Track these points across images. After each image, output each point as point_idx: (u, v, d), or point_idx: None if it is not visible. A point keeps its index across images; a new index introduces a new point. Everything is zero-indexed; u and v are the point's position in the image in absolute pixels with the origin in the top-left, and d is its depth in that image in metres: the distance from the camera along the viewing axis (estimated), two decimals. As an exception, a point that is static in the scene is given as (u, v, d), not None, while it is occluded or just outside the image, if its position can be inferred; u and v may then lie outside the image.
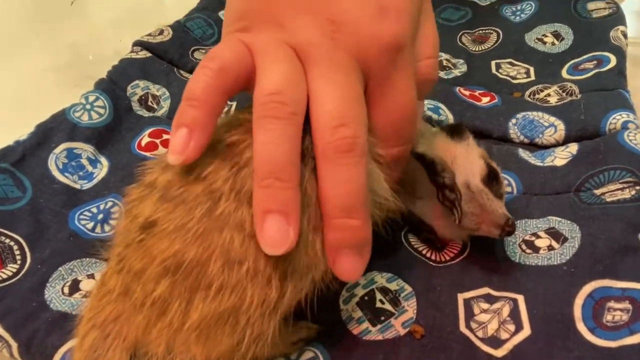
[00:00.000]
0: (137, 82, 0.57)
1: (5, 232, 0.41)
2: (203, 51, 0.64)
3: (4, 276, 0.39)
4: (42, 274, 0.39)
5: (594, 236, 0.38)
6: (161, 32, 0.64)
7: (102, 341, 0.29)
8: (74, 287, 0.38)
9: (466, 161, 0.39)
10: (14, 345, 0.35)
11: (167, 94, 0.57)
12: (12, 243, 0.41)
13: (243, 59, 0.31)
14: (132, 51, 0.61)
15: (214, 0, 0.71)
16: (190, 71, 0.61)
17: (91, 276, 0.39)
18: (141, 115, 0.55)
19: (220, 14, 0.70)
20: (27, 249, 0.41)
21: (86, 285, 0.38)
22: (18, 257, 0.40)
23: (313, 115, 0.29)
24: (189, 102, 0.30)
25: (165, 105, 0.57)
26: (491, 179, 0.38)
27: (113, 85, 0.56)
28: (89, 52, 0.73)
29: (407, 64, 0.32)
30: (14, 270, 0.39)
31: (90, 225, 0.43)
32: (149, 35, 0.63)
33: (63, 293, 0.38)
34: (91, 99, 0.53)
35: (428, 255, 0.40)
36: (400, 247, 0.41)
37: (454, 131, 0.42)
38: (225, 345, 0.28)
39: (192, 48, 0.64)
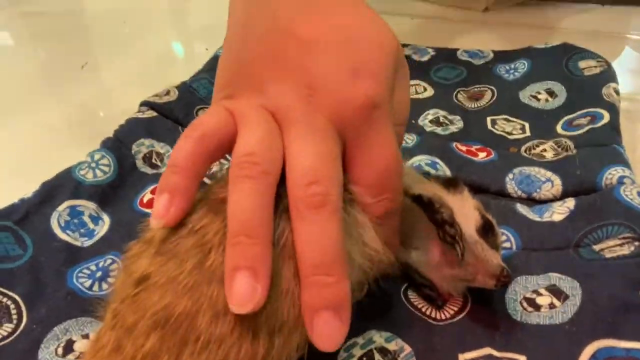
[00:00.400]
0: (142, 140, 0.59)
1: (4, 291, 0.41)
2: (207, 109, 0.66)
3: (-1, 336, 0.38)
4: (37, 334, 0.38)
5: (594, 294, 0.37)
6: (167, 93, 0.66)
7: None
8: (68, 347, 0.38)
9: (461, 212, 0.39)
10: (4, 409, 0.34)
11: (171, 151, 0.59)
12: (9, 302, 0.41)
13: (225, 126, 0.32)
14: (139, 111, 0.63)
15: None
16: (194, 129, 0.62)
17: (86, 336, 0.39)
18: (145, 172, 0.56)
19: (225, 74, 0.73)
20: (24, 308, 0.41)
21: (80, 346, 0.38)
22: (14, 317, 0.40)
23: (287, 174, 0.31)
24: (171, 168, 0.31)
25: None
26: (486, 230, 0.38)
27: (119, 143, 0.57)
28: (98, 111, 0.76)
29: (384, 120, 0.33)
30: (10, 330, 0.39)
31: (88, 283, 0.43)
32: (156, 95, 0.66)
33: (57, 354, 0.37)
34: (97, 157, 0.54)
35: (428, 313, 0.40)
36: (399, 304, 0.41)
37: (449, 183, 0.42)
38: None
39: (197, 107, 0.66)
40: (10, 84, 0.81)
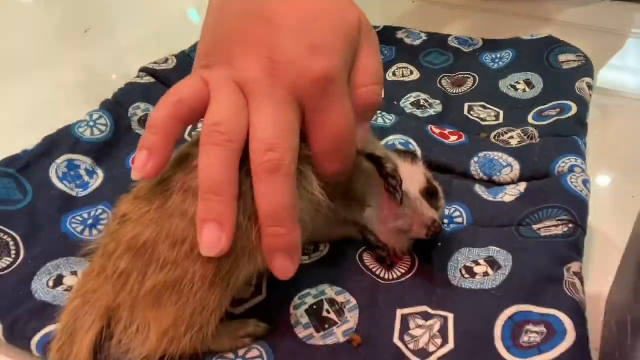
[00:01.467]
0: (139, 104, 0.63)
1: (5, 229, 0.47)
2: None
3: (-2, 267, 0.44)
4: (32, 268, 0.44)
5: (523, 266, 0.41)
6: (166, 61, 0.71)
7: (82, 307, 0.36)
8: (58, 281, 0.43)
9: (409, 175, 0.44)
10: (0, 327, 0.39)
11: (165, 116, 0.63)
12: (9, 239, 0.46)
13: (199, 94, 0.37)
14: (138, 76, 0.68)
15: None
16: (189, 97, 0.67)
17: (74, 273, 0.44)
18: (139, 134, 0.61)
19: (223, 47, 0.77)
20: (21, 246, 0.46)
21: (69, 280, 0.43)
22: (13, 252, 0.45)
23: (249, 142, 0.36)
24: (150, 129, 0.37)
25: (162, 126, 0.62)
26: (429, 193, 0.44)
27: (117, 106, 0.62)
28: (102, 74, 0.80)
29: (338, 92, 0.37)
30: (8, 263, 0.44)
31: (80, 228, 0.49)
32: (155, 63, 0.70)
33: (48, 286, 0.43)
34: (95, 116, 0.59)
35: (378, 273, 0.45)
36: (354, 265, 0.45)
37: (406, 154, 0.48)
38: (175, 312, 0.34)
39: (193, 76, 0.70)
40: (25, 40, 0.85)
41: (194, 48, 0.74)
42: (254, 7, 0.39)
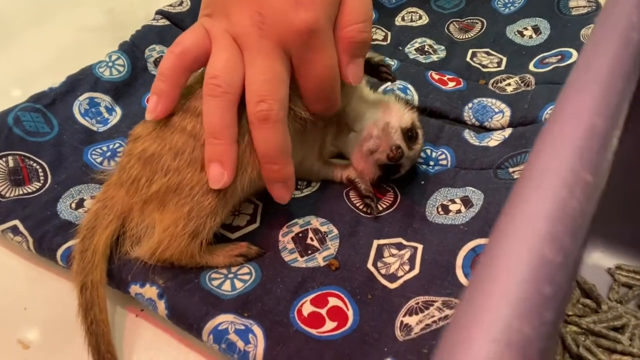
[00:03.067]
0: (154, 46, 0.67)
1: (34, 157, 0.53)
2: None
3: (29, 190, 0.50)
4: (57, 192, 0.50)
5: (491, 204, 0.45)
6: (180, 3, 0.73)
7: (102, 209, 0.43)
8: (80, 204, 0.49)
9: (398, 112, 0.49)
10: (30, 240, 0.46)
11: (179, 58, 0.67)
12: (37, 167, 0.52)
13: (201, 43, 0.42)
14: (153, 19, 0.71)
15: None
16: (202, 39, 0.70)
17: (93, 197, 0.50)
18: (154, 74, 0.65)
19: (237, -11, 0.79)
20: (49, 172, 0.52)
21: (89, 203, 0.49)
22: (42, 177, 0.52)
23: (245, 93, 0.41)
24: (158, 77, 0.43)
25: (176, 67, 0.66)
26: (409, 134, 0.48)
27: (134, 47, 0.66)
28: (126, 18, 0.84)
29: (320, 42, 0.40)
30: (37, 187, 0.51)
31: (100, 159, 0.54)
32: (170, 5, 0.73)
33: (70, 207, 0.49)
34: (114, 57, 0.63)
35: (360, 207, 0.49)
36: (340, 201, 0.50)
37: (400, 98, 0.51)
38: (175, 212, 0.41)
39: (207, 19, 0.73)
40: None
41: (208, -10, 0.76)
42: None
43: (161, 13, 0.71)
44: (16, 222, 0.47)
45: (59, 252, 0.45)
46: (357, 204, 0.49)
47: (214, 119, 0.40)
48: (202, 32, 0.43)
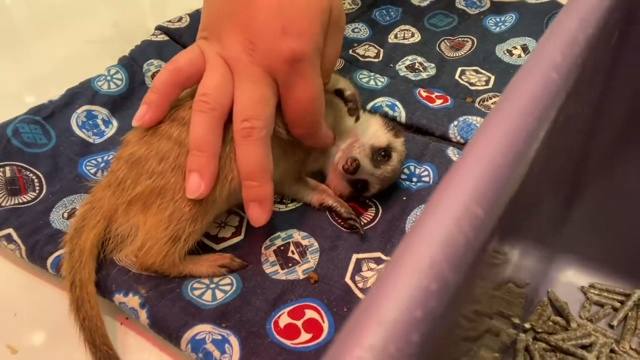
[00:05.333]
0: (152, 60, 0.69)
1: (31, 168, 0.55)
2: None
3: (24, 200, 0.52)
4: (51, 201, 0.52)
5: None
6: (180, 19, 0.76)
7: (90, 211, 0.45)
8: (72, 213, 0.51)
9: (376, 132, 0.50)
10: (23, 248, 0.48)
11: (175, 72, 0.69)
12: (33, 177, 0.54)
13: (195, 63, 0.45)
14: (153, 34, 0.73)
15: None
16: (199, 54, 0.72)
17: (85, 207, 0.52)
18: (151, 88, 0.67)
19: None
20: (44, 183, 0.54)
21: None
22: (37, 188, 0.54)
23: (233, 112, 0.44)
24: (151, 89, 0.45)
25: (172, 81, 0.68)
26: (381, 153, 0.49)
27: (132, 62, 0.68)
28: (129, 31, 0.86)
29: (305, 71, 0.43)
30: (33, 196, 0.53)
31: (93, 170, 0.56)
32: (169, 21, 0.75)
33: (62, 217, 0.51)
34: (112, 71, 0.66)
35: (341, 222, 0.50)
36: (323, 215, 0.51)
37: (393, 128, 0.52)
38: (157, 215, 0.43)
39: (204, 35, 0.75)
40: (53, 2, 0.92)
41: (207, 7, 0.79)
42: None
43: (160, 29, 0.73)
44: (10, 230, 0.49)
45: (50, 260, 0.46)
46: (337, 220, 0.51)
47: (200, 132, 0.43)
48: (197, 53, 0.46)
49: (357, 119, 0.50)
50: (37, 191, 0.53)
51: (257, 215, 0.44)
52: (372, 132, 0.50)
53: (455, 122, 0.60)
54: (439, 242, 0.13)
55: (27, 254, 0.48)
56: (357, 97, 0.50)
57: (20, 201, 0.52)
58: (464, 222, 0.13)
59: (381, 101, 0.63)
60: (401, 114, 0.62)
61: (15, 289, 0.48)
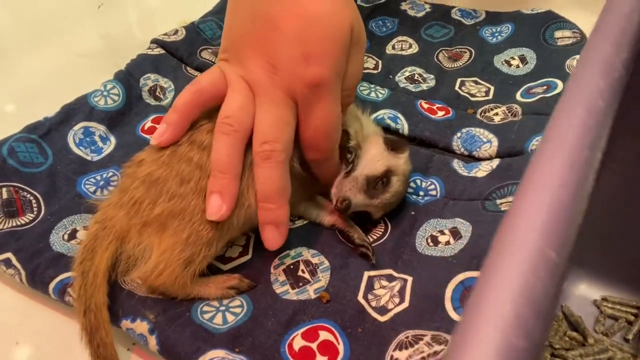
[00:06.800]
0: (149, 75, 0.68)
1: (28, 189, 0.53)
2: (210, 50, 0.74)
3: (22, 222, 0.50)
4: (50, 223, 0.50)
5: (479, 236, 0.45)
6: (175, 32, 0.75)
7: (101, 230, 0.43)
8: (72, 235, 0.50)
9: (371, 158, 0.48)
10: (23, 273, 0.46)
11: (173, 87, 0.68)
12: (31, 198, 0.52)
13: (217, 85, 0.45)
14: (149, 47, 0.72)
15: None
16: (196, 68, 0.71)
17: (86, 228, 0.50)
18: (148, 103, 0.66)
19: (231, 17, 0.80)
20: (42, 203, 0.52)
21: (81, 234, 0.50)
22: (35, 209, 0.52)
23: (253, 134, 0.44)
24: (172, 109, 0.45)
25: (170, 96, 0.67)
26: (377, 182, 0.47)
27: (129, 76, 0.67)
28: (121, 43, 0.85)
29: (326, 95, 0.43)
30: (31, 218, 0.51)
31: (93, 189, 0.55)
32: (165, 34, 0.74)
33: (63, 239, 0.49)
34: (109, 87, 0.64)
35: (352, 246, 0.49)
36: (332, 233, 0.50)
37: (394, 144, 0.50)
38: (174, 237, 0.42)
39: (201, 48, 0.74)
40: (43, 10, 0.90)
41: (203, 19, 0.78)
42: (261, 10, 0.43)
43: (156, 42, 0.72)
44: (9, 254, 0.47)
45: (52, 285, 0.45)
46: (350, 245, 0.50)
47: (222, 154, 0.43)
48: (219, 74, 0.46)
49: (350, 172, 0.47)
50: (35, 212, 0.52)
51: (273, 238, 0.44)
52: (368, 158, 0.48)
53: (459, 134, 0.60)
54: (518, 293, 0.12)
55: (28, 279, 0.46)
56: (358, 150, 0.49)
57: (18, 223, 0.50)
58: (541, 269, 0.13)
59: (383, 113, 0.63)
60: (404, 126, 0.62)
61: (16, 316, 0.46)
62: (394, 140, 0.52)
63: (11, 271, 0.46)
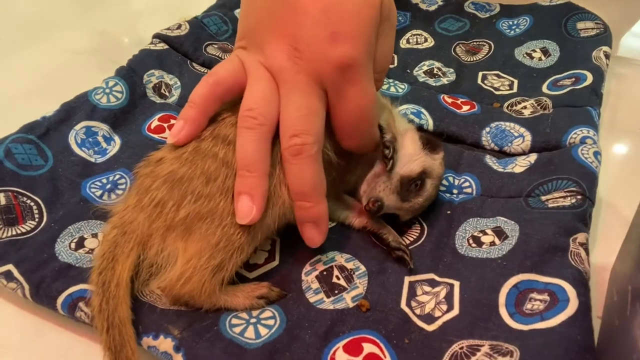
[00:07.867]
0: (153, 71, 0.64)
1: (27, 194, 0.48)
2: (216, 46, 0.70)
3: (23, 230, 0.46)
4: (54, 231, 0.46)
5: (529, 236, 0.42)
6: (179, 27, 0.70)
7: (121, 237, 0.39)
8: (80, 243, 0.45)
9: (407, 156, 0.45)
10: (27, 287, 0.41)
11: (179, 83, 0.64)
12: (32, 203, 0.48)
13: (235, 74, 0.41)
14: (151, 42, 0.68)
15: (231, -1, 0.77)
16: (202, 64, 0.67)
17: (95, 235, 0.46)
18: (154, 101, 0.61)
19: (236, 12, 0.76)
20: (44, 210, 0.48)
21: (90, 243, 0.45)
22: (36, 216, 0.47)
23: (279, 126, 0.40)
24: (189, 104, 0.41)
25: (176, 93, 0.63)
26: (410, 183, 0.44)
27: (132, 72, 0.62)
28: (116, 40, 0.80)
29: (359, 77, 0.38)
30: (32, 226, 0.46)
31: (99, 193, 0.50)
32: (168, 29, 0.70)
33: (70, 248, 0.45)
34: (111, 84, 0.60)
35: (387, 243, 0.46)
36: (364, 235, 0.46)
37: (430, 143, 0.47)
38: (201, 241, 0.38)
39: (206, 43, 0.70)
40: (37, 6, 0.86)
41: (207, 13, 0.74)
42: None
43: (159, 37, 0.68)
44: (10, 266, 0.42)
45: (60, 299, 0.40)
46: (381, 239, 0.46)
47: (248, 151, 0.39)
48: (237, 64, 0.42)
49: (391, 169, 0.43)
50: (36, 219, 0.47)
51: (314, 237, 0.41)
52: (404, 156, 0.44)
53: (487, 129, 0.56)
54: None
55: (32, 294, 0.41)
56: (395, 143, 0.45)
57: (19, 232, 0.45)
58: None
59: (405, 108, 0.60)
60: (428, 121, 0.58)
61: (18, 336, 0.41)
62: (430, 138, 0.48)
63: (13, 285, 0.42)
